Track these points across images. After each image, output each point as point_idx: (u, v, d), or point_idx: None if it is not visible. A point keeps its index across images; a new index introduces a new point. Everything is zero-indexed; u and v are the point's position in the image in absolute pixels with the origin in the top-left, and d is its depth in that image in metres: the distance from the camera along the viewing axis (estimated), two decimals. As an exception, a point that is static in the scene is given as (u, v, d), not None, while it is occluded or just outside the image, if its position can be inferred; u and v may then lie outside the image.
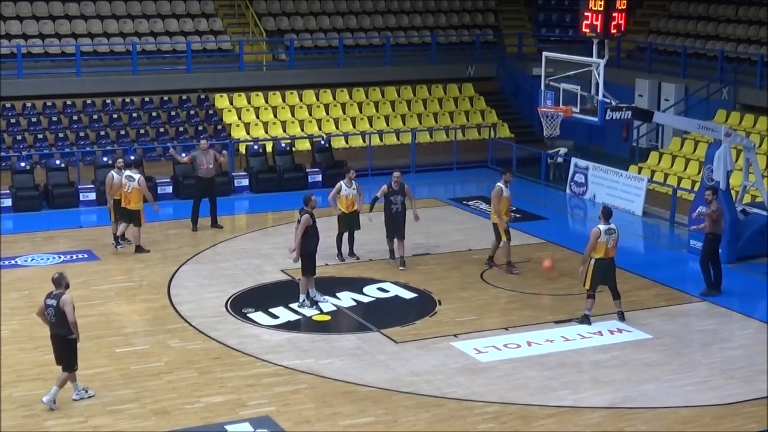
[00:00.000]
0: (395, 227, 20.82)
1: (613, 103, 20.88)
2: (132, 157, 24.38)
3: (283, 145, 28.65)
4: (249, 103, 30.68)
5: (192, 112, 29.86)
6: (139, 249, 21.67)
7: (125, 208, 21.54)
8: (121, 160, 22.32)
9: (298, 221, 18.26)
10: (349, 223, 21.07)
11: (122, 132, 28.57)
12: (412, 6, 35.15)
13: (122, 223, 21.87)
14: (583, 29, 20.95)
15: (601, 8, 20.45)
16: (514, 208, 22.42)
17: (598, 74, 20.52)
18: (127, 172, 21.60)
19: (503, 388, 15.31)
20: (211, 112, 30.18)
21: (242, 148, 28.53)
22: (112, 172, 21.89)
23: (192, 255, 21.64)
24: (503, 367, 16.06)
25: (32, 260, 21.25)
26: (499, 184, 20.54)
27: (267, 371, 15.81)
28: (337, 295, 19.11)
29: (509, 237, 20.60)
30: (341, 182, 21.01)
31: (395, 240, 20.86)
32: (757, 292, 19.95)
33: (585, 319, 17.77)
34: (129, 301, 19.10)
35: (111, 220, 22.01)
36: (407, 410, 14.55)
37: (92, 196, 25.64)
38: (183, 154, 24.79)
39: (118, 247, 21.88)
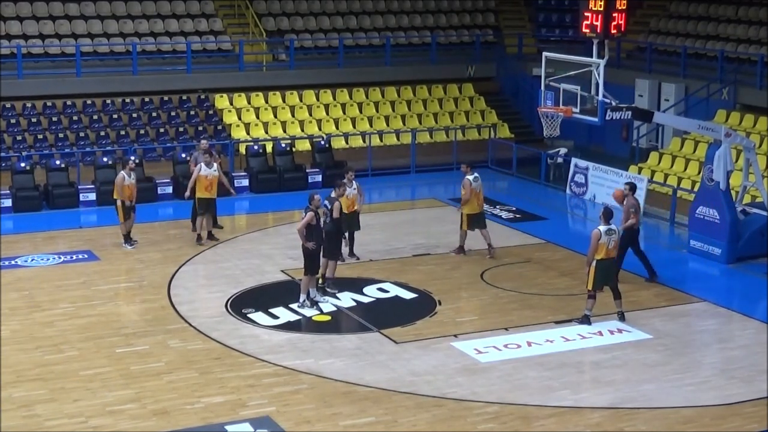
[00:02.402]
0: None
1: (613, 104, 20.88)
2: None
3: (283, 145, 28.65)
4: (249, 103, 30.68)
5: (192, 113, 29.86)
6: (211, 236, 22.52)
7: (208, 198, 22.20)
8: (132, 160, 22.47)
9: (302, 219, 18.27)
10: (349, 223, 21.05)
11: (122, 132, 28.57)
12: (412, 6, 35.15)
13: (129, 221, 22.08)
14: (583, 29, 20.94)
15: (601, 8, 20.44)
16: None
17: (598, 74, 20.52)
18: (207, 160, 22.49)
19: (503, 388, 15.31)
20: (211, 112, 30.18)
21: (242, 149, 28.52)
22: (122, 172, 21.89)
23: (192, 255, 21.63)
24: (503, 368, 16.06)
25: (32, 260, 21.25)
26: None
27: (267, 371, 15.81)
28: (337, 295, 19.10)
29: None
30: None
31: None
32: (757, 292, 19.97)
33: (585, 320, 17.77)
34: (129, 301, 19.10)
35: (120, 221, 22.01)
36: (407, 410, 14.55)
37: (92, 196, 25.63)
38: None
39: (130, 246, 21.89)
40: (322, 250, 18.76)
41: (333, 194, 19.30)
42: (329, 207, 18.98)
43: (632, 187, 20.14)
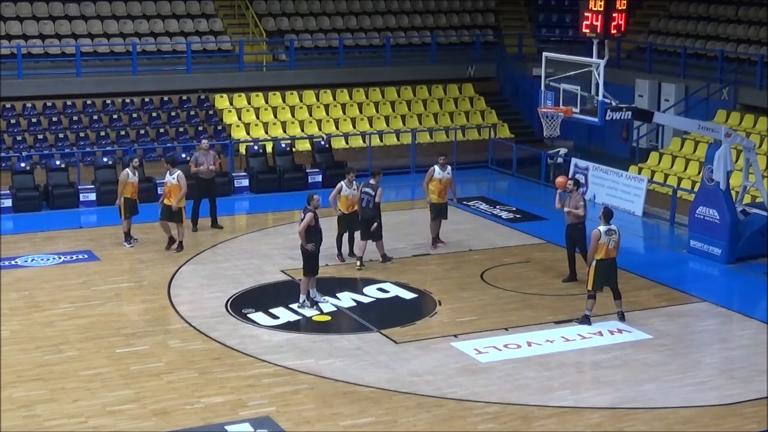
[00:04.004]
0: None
1: (613, 104, 20.88)
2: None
3: (283, 145, 28.65)
4: (249, 103, 30.68)
5: (192, 113, 29.87)
6: (171, 244, 21.93)
7: (166, 206, 21.67)
8: (137, 159, 22.43)
9: (302, 220, 18.29)
10: (348, 223, 21.09)
11: (122, 132, 28.57)
12: (412, 6, 35.16)
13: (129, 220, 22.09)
14: (583, 30, 20.95)
15: (601, 9, 20.45)
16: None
17: (598, 74, 20.52)
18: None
19: (503, 388, 15.32)
20: (211, 112, 30.18)
21: (242, 149, 28.52)
22: (126, 170, 21.90)
23: (192, 255, 21.63)
24: (503, 368, 16.06)
25: (32, 261, 21.25)
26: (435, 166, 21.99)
27: (267, 371, 15.81)
28: (337, 295, 19.11)
29: (432, 215, 22.17)
30: (342, 183, 21.03)
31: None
32: (757, 293, 19.97)
33: (585, 320, 17.77)
34: (129, 301, 19.10)
35: (122, 219, 22.03)
36: (407, 410, 14.55)
37: (92, 196, 25.62)
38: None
39: (128, 245, 21.90)
40: (371, 233, 20.73)
41: (372, 181, 20.85)
42: (372, 193, 20.63)
43: (576, 183, 20.19)
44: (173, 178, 21.66)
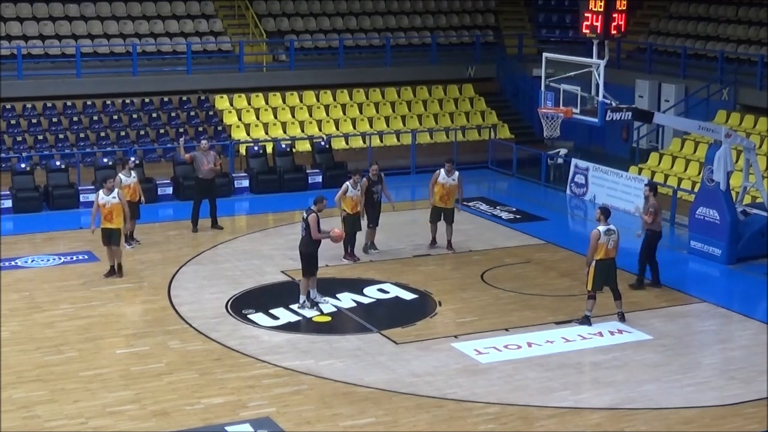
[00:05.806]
0: (377, 215, 21.84)
1: (614, 104, 20.89)
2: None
3: (284, 146, 28.65)
4: (249, 104, 30.68)
5: (192, 113, 29.87)
6: (115, 270, 20.25)
7: (110, 229, 20.00)
8: (131, 161, 22.28)
9: (304, 220, 18.27)
10: (353, 224, 21.09)
11: (122, 133, 28.57)
12: (412, 7, 35.16)
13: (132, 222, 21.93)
14: (584, 30, 20.98)
15: (601, 9, 20.47)
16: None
17: (598, 75, 20.53)
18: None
19: (503, 389, 15.32)
20: (211, 113, 30.18)
21: (242, 149, 28.53)
22: (120, 174, 21.79)
23: (192, 256, 21.64)
24: (503, 368, 16.06)
25: (32, 261, 21.25)
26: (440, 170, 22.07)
27: (267, 372, 15.81)
28: (337, 296, 19.11)
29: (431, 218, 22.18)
30: (347, 183, 21.05)
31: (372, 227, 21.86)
32: (757, 293, 19.97)
33: (585, 320, 17.77)
34: (129, 302, 19.10)
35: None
36: (407, 411, 14.55)
37: (92, 197, 25.50)
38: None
39: (129, 247, 21.87)
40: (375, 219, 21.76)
41: (371, 173, 21.73)
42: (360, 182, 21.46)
43: (653, 187, 20.08)
44: (113, 197, 19.89)
